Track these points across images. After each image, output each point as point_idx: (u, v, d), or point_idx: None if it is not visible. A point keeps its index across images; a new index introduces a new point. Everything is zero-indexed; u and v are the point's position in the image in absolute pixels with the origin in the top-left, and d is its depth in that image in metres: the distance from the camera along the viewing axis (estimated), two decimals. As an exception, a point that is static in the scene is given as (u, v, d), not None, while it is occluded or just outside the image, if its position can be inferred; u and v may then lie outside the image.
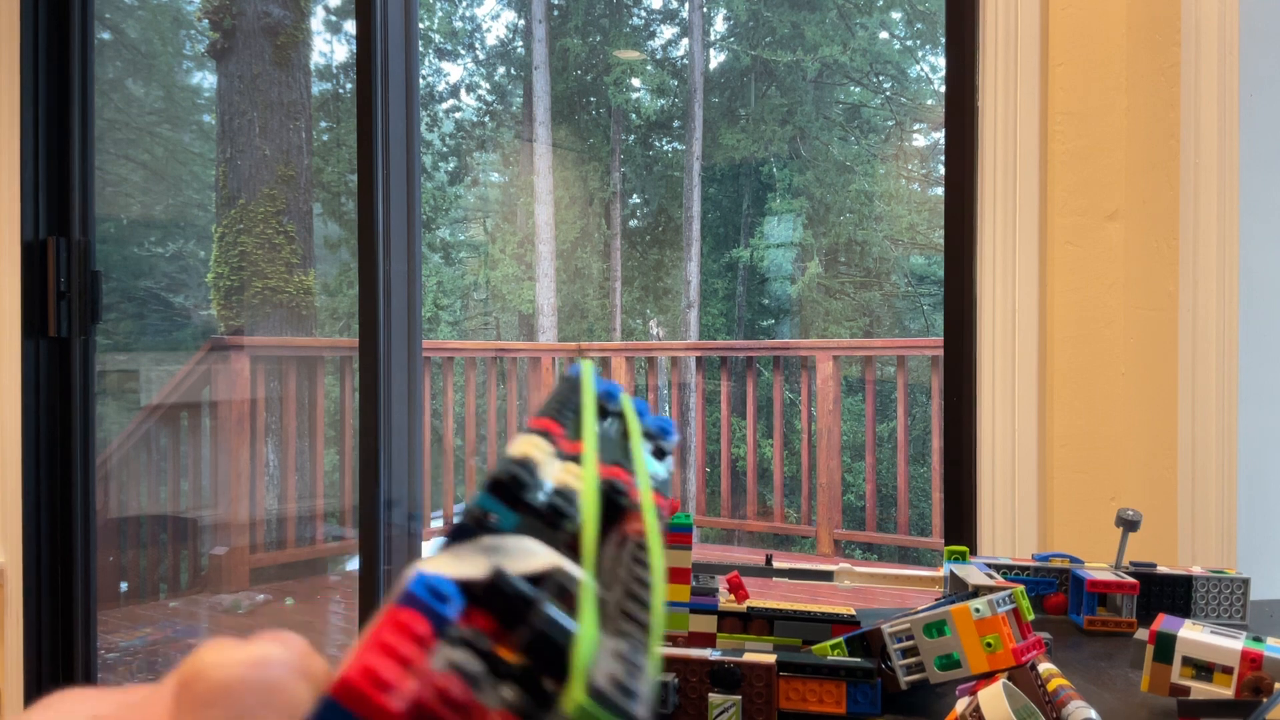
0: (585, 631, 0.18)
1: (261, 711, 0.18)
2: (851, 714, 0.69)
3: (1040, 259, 1.37)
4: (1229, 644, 0.67)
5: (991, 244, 1.39)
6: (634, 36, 10.59)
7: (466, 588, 0.18)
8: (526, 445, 0.21)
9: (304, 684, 0.19)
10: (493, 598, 0.18)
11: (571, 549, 0.20)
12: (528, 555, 0.19)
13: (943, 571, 0.91)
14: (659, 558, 0.20)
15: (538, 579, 0.19)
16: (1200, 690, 0.67)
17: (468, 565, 0.19)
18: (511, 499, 0.20)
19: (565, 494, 0.20)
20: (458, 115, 10.78)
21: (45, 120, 1.85)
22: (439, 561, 0.19)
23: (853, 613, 0.81)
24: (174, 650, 3.83)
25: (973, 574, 0.80)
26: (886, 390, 6.47)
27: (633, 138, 10.67)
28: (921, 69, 10.07)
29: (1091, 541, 1.32)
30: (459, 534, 0.20)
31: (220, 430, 4.48)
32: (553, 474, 0.21)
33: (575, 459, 0.22)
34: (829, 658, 0.71)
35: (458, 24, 10.85)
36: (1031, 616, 0.68)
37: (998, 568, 0.96)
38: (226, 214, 5.80)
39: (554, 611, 0.18)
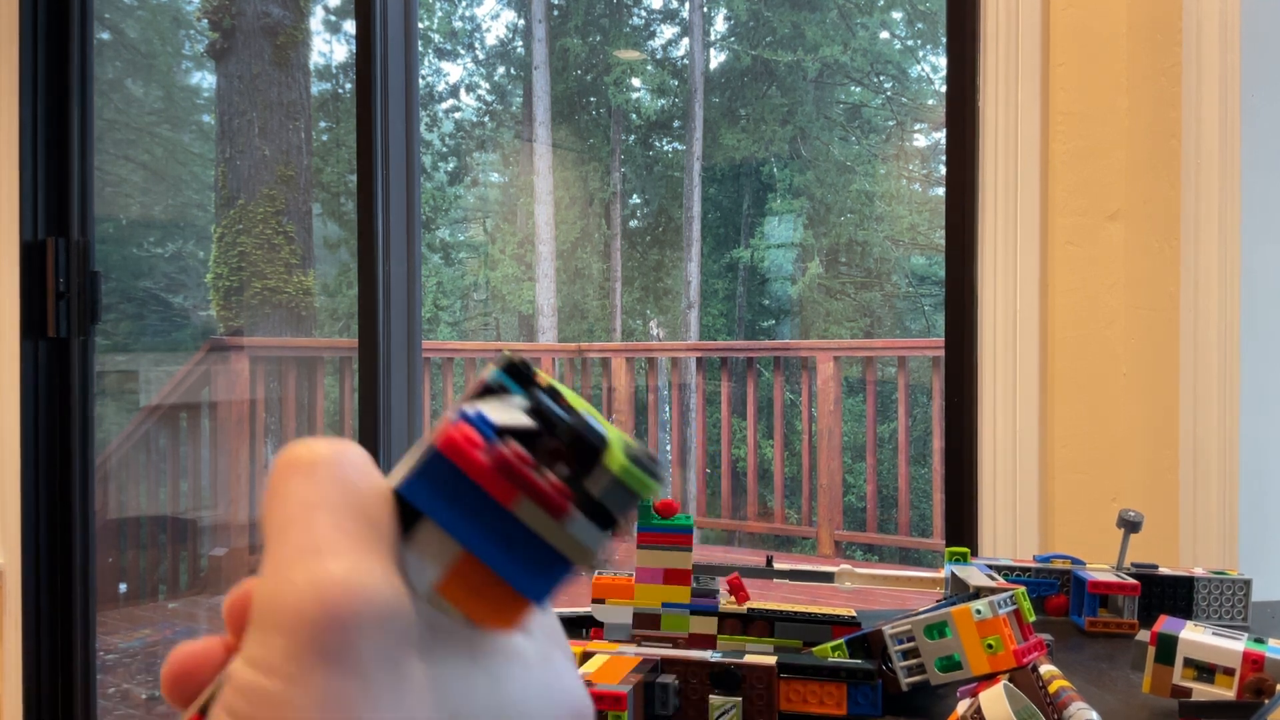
0: (612, 430, 0.23)
1: (356, 469, 0.24)
2: (852, 715, 0.69)
3: (1041, 259, 1.37)
4: (1231, 645, 0.67)
5: (992, 244, 1.39)
6: (634, 36, 10.59)
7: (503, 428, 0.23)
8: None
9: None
10: (537, 416, 0.23)
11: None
12: (549, 403, 0.24)
13: (944, 573, 0.91)
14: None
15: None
16: (1202, 692, 0.67)
17: (501, 412, 0.23)
18: (521, 379, 0.24)
19: (554, 387, 0.25)
20: (457, 115, 10.78)
21: (44, 120, 1.85)
22: (479, 405, 0.24)
23: (853, 614, 0.81)
24: (174, 651, 3.82)
25: (974, 575, 0.79)
26: (887, 391, 6.47)
27: (633, 138, 10.67)
28: (922, 69, 10.07)
29: (1093, 543, 1.32)
30: (484, 393, 0.24)
31: (220, 431, 4.48)
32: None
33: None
34: (830, 659, 0.71)
35: (457, 24, 10.86)
36: (1033, 618, 0.68)
37: (999, 569, 0.95)
38: (226, 214, 5.80)
39: (587, 416, 0.23)
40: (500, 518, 0.23)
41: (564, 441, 0.23)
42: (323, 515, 0.23)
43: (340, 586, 0.22)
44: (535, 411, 0.23)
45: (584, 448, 0.23)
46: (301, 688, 0.21)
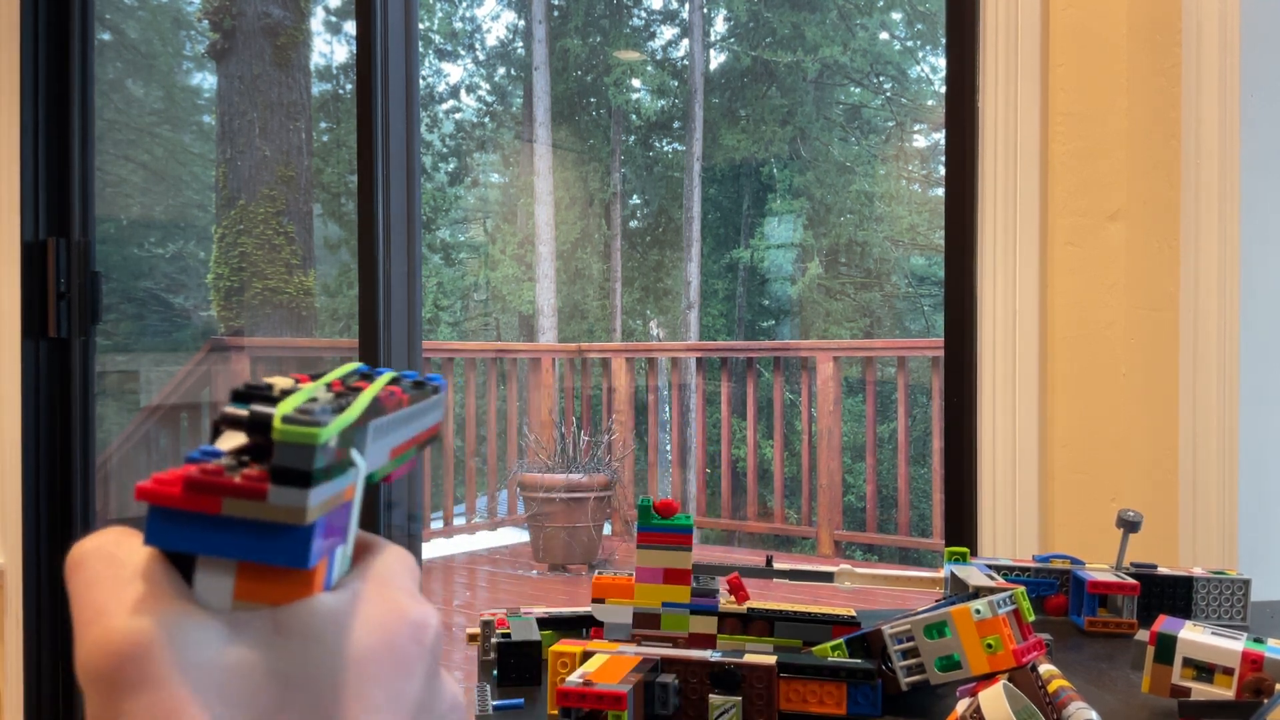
0: (291, 401, 0.27)
1: (118, 546, 0.27)
2: (852, 715, 0.69)
3: (1041, 260, 1.37)
4: (1230, 645, 0.67)
5: (992, 245, 1.39)
6: (634, 37, 10.59)
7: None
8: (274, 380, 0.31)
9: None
10: (235, 424, 0.28)
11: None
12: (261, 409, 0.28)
13: (943, 573, 0.91)
14: (366, 395, 0.30)
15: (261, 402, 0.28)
16: (1201, 691, 0.67)
17: (230, 439, 0.28)
18: (260, 398, 0.28)
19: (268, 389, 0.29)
20: (458, 116, 10.78)
21: (45, 121, 1.85)
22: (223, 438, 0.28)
23: (853, 614, 0.81)
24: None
25: (973, 575, 0.79)
26: (887, 391, 6.47)
27: (633, 138, 10.67)
28: (922, 69, 10.07)
29: (1092, 542, 1.32)
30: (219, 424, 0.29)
31: (220, 431, 4.47)
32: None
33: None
34: (829, 659, 0.71)
35: (458, 25, 10.86)
36: (1032, 617, 0.68)
37: (998, 569, 0.96)
38: (226, 215, 5.81)
39: (259, 406, 0.27)
40: (221, 523, 0.26)
41: (263, 433, 0.27)
42: (95, 591, 0.26)
43: (120, 631, 0.25)
44: (252, 421, 0.27)
45: (263, 430, 0.26)
46: (122, 719, 0.24)
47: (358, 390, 0.31)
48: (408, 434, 0.35)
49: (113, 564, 0.27)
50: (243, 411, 0.27)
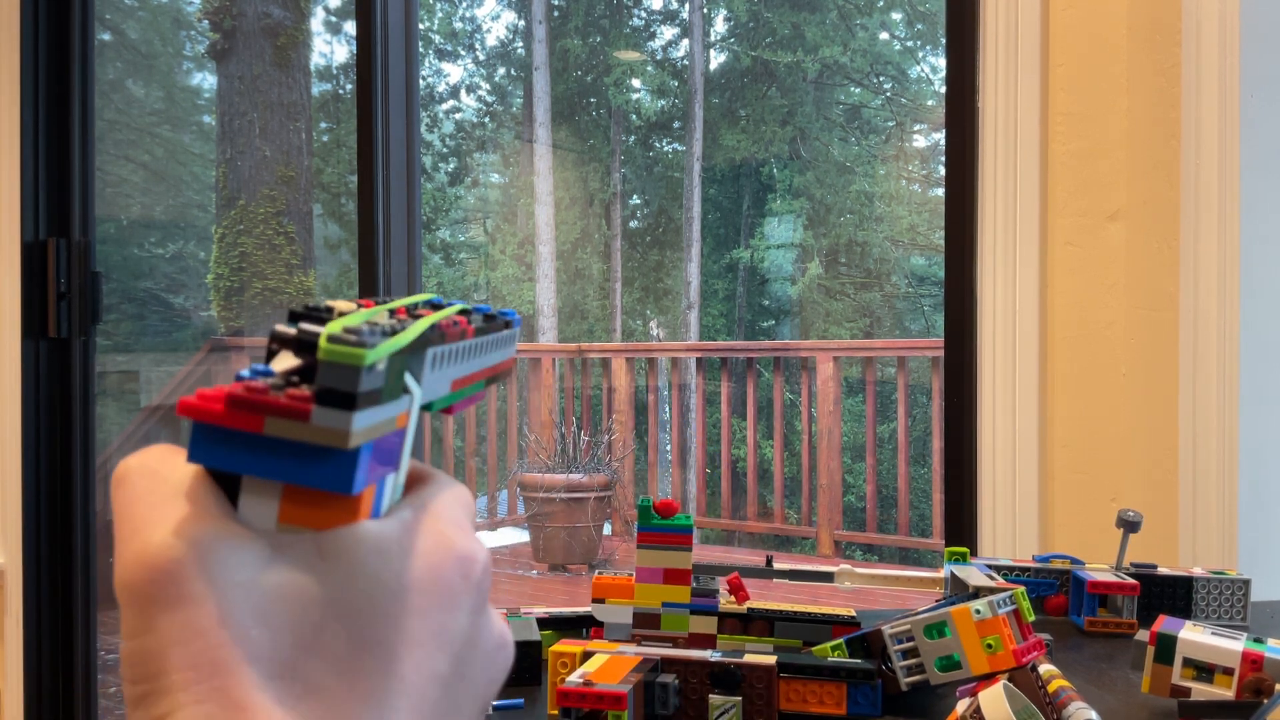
0: (329, 327, 0.26)
1: (160, 461, 0.27)
2: (852, 715, 0.69)
3: (1041, 260, 1.37)
4: (1230, 645, 0.67)
5: (992, 245, 1.39)
6: (634, 37, 10.59)
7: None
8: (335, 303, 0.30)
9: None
10: (285, 342, 0.27)
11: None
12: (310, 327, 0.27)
13: (943, 573, 0.91)
14: (425, 321, 0.29)
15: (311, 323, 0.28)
16: (1201, 691, 0.67)
17: (282, 360, 0.27)
18: (313, 318, 0.28)
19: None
20: (458, 116, 10.78)
21: (45, 121, 1.85)
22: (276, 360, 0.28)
23: (853, 614, 0.81)
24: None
25: (973, 575, 0.79)
26: (887, 391, 6.47)
27: (633, 138, 10.67)
28: (922, 69, 10.07)
29: (1092, 543, 1.32)
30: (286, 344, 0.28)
31: (220, 431, 4.48)
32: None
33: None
34: (829, 659, 0.71)
35: (458, 25, 10.86)
36: (1032, 618, 0.68)
37: (998, 569, 0.96)
38: (226, 215, 5.81)
39: (307, 325, 0.27)
40: (264, 443, 0.25)
41: (310, 353, 0.26)
42: (138, 507, 0.26)
43: (156, 546, 0.24)
44: (299, 340, 0.27)
45: (310, 350, 0.26)
46: (154, 635, 0.24)
47: (420, 318, 0.30)
48: (473, 367, 0.34)
49: (156, 480, 0.26)
50: (291, 330, 0.27)
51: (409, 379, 0.29)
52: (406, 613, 0.26)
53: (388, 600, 0.26)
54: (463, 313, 0.33)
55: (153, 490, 0.26)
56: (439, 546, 0.28)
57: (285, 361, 0.27)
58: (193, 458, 0.26)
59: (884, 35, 10.05)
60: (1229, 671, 0.67)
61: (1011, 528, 1.37)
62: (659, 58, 10.55)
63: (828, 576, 0.95)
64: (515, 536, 5.67)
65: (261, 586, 0.25)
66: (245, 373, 0.26)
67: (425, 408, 0.32)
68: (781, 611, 0.81)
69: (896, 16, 10.02)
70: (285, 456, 0.25)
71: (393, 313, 0.30)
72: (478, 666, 0.28)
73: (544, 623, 0.85)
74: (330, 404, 0.25)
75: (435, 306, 0.32)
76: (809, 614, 0.81)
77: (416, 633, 0.26)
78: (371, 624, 0.26)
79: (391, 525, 0.27)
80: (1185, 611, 0.93)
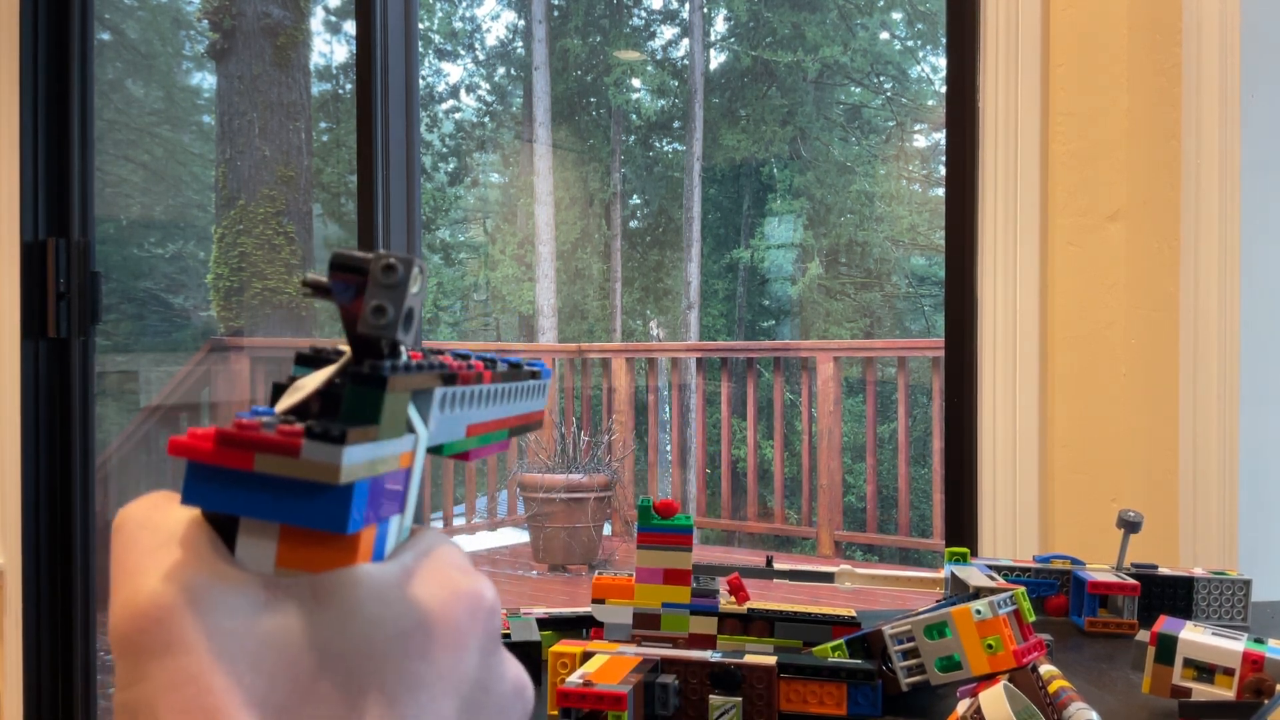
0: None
1: (157, 509, 0.27)
2: (852, 715, 0.69)
3: (1041, 260, 1.37)
4: (1230, 645, 0.67)
5: (992, 245, 1.39)
6: (634, 37, 10.59)
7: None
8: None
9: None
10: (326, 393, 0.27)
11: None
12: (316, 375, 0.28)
13: (943, 573, 0.91)
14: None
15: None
16: (1202, 692, 0.67)
17: (287, 398, 0.27)
18: (308, 362, 0.28)
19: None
20: (457, 116, 10.78)
21: (45, 121, 1.85)
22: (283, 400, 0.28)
23: (853, 614, 0.81)
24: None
25: (974, 575, 0.79)
26: (887, 391, 6.47)
27: (633, 138, 10.67)
28: (922, 69, 10.07)
29: (1092, 543, 1.32)
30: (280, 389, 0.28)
31: (220, 431, 4.47)
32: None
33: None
34: (830, 659, 0.71)
35: (458, 24, 10.85)
36: (1033, 618, 0.68)
37: (999, 569, 0.95)
38: (226, 215, 5.81)
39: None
40: (257, 481, 0.25)
41: (321, 393, 0.27)
42: (130, 555, 0.26)
43: (146, 593, 0.24)
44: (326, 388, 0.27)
45: (328, 392, 0.26)
46: (146, 684, 0.23)
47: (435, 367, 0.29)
48: (493, 414, 0.33)
49: (149, 527, 0.26)
50: (284, 383, 0.27)
51: (414, 418, 0.28)
52: (408, 655, 0.25)
53: (387, 643, 0.25)
54: (488, 363, 0.33)
55: (146, 537, 0.26)
56: (443, 586, 0.27)
57: (286, 403, 0.27)
58: (186, 500, 0.25)
59: (884, 35, 10.05)
60: (1230, 672, 0.67)
61: (1012, 528, 1.37)
62: (659, 57, 10.55)
63: (828, 577, 0.95)
64: (515, 537, 5.66)
65: (255, 631, 0.24)
66: (244, 413, 0.26)
67: (435, 450, 0.31)
68: (782, 612, 0.81)
69: (897, 16, 10.02)
70: (278, 495, 0.25)
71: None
72: (490, 712, 0.27)
73: (544, 623, 0.85)
74: (320, 439, 0.24)
75: (462, 359, 0.32)
76: (809, 614, 0.81)
77: (420, 676, 0.25)
78: (370, 668, 0.25)
79: (392, 567, 0.27)
80: (1186, 612, 0.93)
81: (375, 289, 0.26)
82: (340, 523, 0.25)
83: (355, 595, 0.25)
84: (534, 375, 0.36)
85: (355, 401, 0.26)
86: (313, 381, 0.27)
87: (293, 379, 0.28)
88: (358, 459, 0.25)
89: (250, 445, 0.25)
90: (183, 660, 0.23)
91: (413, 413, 0.28)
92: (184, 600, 0.24)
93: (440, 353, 0.32)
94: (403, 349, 0.28)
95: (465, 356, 0.32)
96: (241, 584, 0.25)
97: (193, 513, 0.26)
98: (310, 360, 0.28)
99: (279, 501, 0.25)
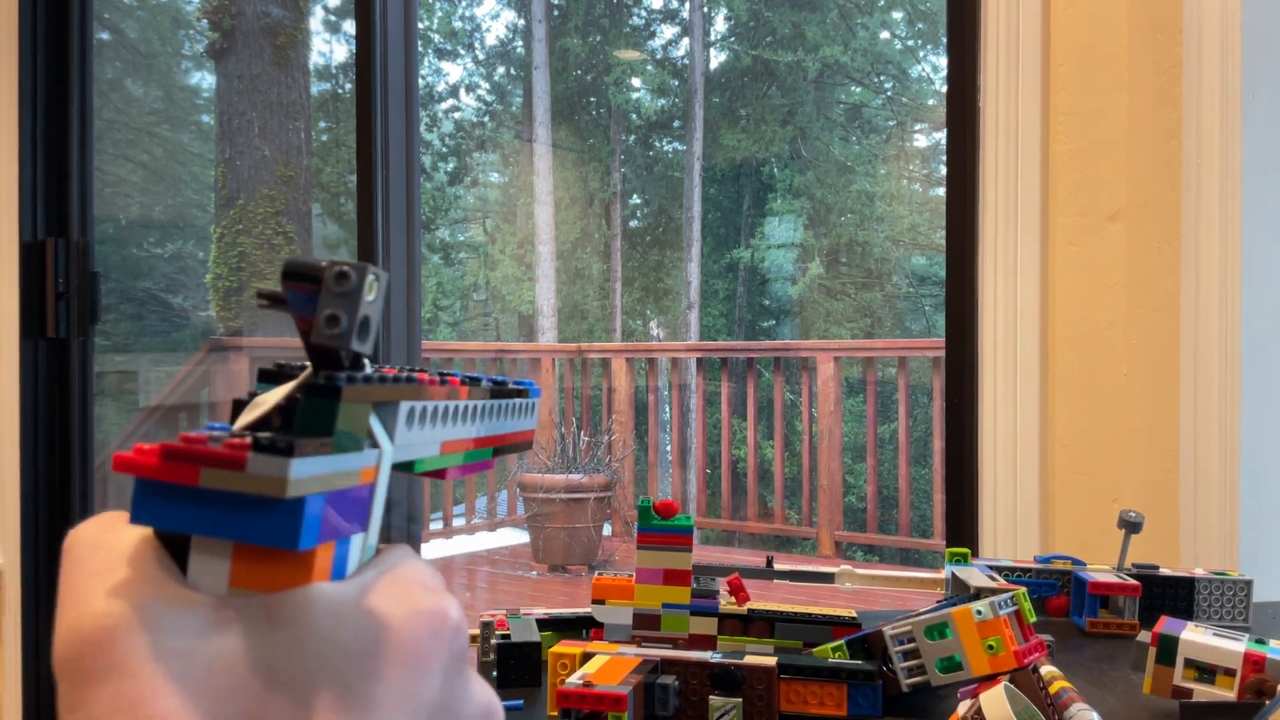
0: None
1: (105, 529, 0.26)
2: (853, 716, 0.69)
3: (1042, 260, 1.37)
4: (1231, 646, 0.67)
5: (993, 244, 1.39)
6: (634, 36, 10.59)
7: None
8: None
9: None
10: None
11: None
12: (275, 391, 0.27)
13: (944, 573, 0.91)
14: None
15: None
16: (1203, 692, 0.67)
17: (246, 415, 0.27)
18: (279, 377, 0.28)
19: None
20: (457, 115, 10.78)
21: (44, 120, 1.84)
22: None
23: (854, 615, 0.81)
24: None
25: (974, 576, 0.79)
26: (888, 391, 6.47)
27: (633, 138, 10.67)
28: (923, 69, 10.07)
29: (1093, 543, 1.31)
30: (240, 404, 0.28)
31: (220, 431, 4.47)
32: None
33: None
34: (830, 660, 0.71)
35: (457, 24, 10.85)
36: (1033, 618, 0.68)
37: (999, 570, 0.95)
38: (225, 214, 5.80)
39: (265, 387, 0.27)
40: (206, 497, 0.24)
41: (281, 408, 0.26)
42: (77, 577, 0.25)
43: (89, 615, 0.23)
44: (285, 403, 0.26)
45: (288, 407, 0.26)
46: (87, 709, 0.23)
47: (409, 380, 0.28)
48: (471, 431, 0.32)
49: (98, 548, 0.25)
50: (245, 399, 0.26)
51: (378, 432, 0.27)
52: (364, 676, 0.24)
53: (343, 664, 0.24)
54: (470, 380, 0.32)
55: (95, 559, 0.25)
56: (402, 604, 0.26)
57: (244, 420, 0.26)
58: (135, 519, 0.25)
59: (885, 34, 10.05)
60: (1231, 673, 0.66)
61: (1013, 528, 1.37)
62: (659, 57, 10.55)
63: (828, 577, 0.95)
64: (515, 537, 5.66)
65: (203, 653, 0.23)
66: (197, 430, 0.25)
67: (403, 466, 0.30)
68: (782, 612, 0.81)
69: (897, 16, 10.02)
70: (228, 512, 0.24)
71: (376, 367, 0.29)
72: None
73: (544, 624, 0.85)
74: (267, 451, 0.24)
75: (441, 375, 0.31)
76: (809, 615, 0.80)
77: (376, 697, 0.24)
78: (323, 691, 0.24)
79: (349, 585, 0.26)
80: (1187, 612, 0.93)
81: (328, 297, 0.26)
82: (292, 539, 0.24)
83: (309, 615, 0.24)
84: (520, 394, 0.34)
85: (309, 413, 0.26)
86: (272, 397, 0.26)
87: (253, 395, 0.27)
88: (307, 472, 0.24)
89: (195, 459, 0.24)
90: (127, 684, 0.22)
91: (376, 426, 0.27)
92: (129, 621, 0.23)
93: (414, 368, 0.31)
94: (366, 361, 0.28)
95: (444, 374, 0.31)
96: (190, 604, 0.24)
97: (144, 533, 0.26)
98: (273, 376, 0.27)
99: (228, 518, 0.24)
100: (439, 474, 0.32)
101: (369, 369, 0.28)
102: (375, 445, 0.27)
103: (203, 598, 0.24)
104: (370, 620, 0.25)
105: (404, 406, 0.28)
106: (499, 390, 0.33)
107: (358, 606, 0.25)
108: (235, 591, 0.25)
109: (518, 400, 0.34)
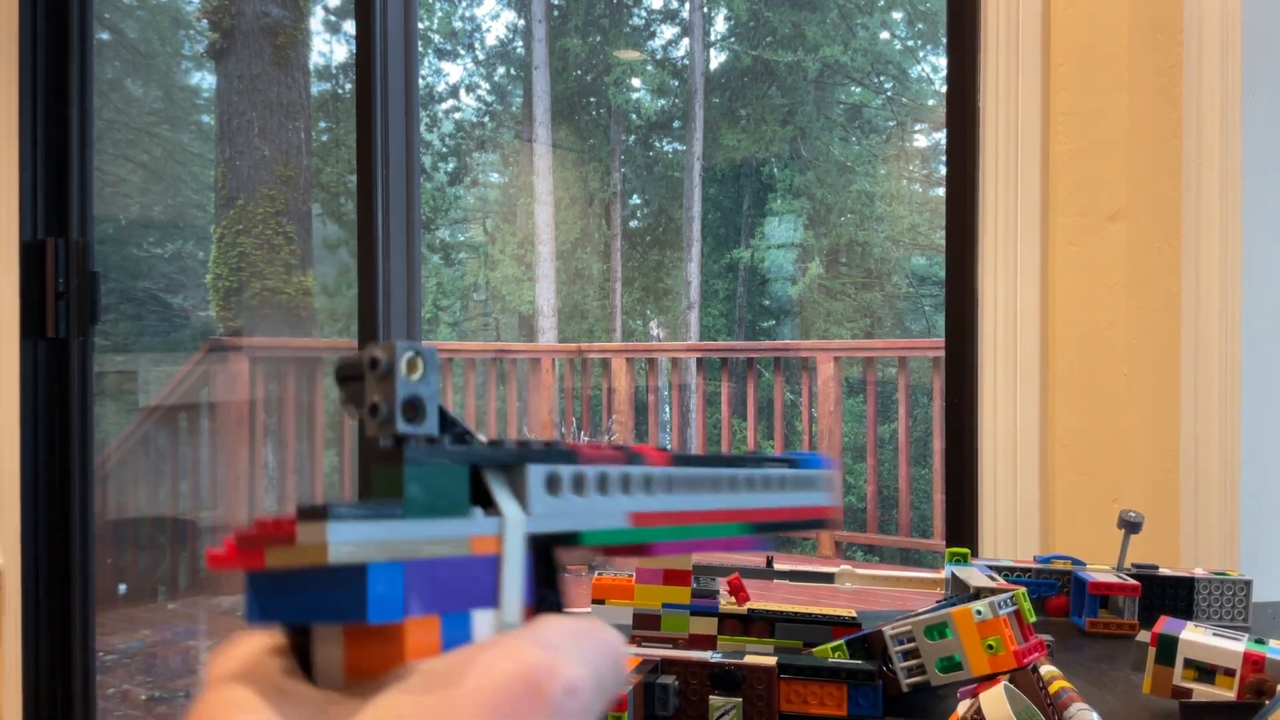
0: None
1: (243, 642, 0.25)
2: (852, 716, 0.69)
3: (1042, 259, 1.37)
4: (1231, 646, 0.67)
5: (993, 244, 1.39)
6: (634, 36, 10.58)
7: None
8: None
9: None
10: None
11: None
12: None
13: (944, 573, 0.90)
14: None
15: None
16: (1202, 692, 0.67)
17: None
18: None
19: None
20: (457, 115, 10.78)
21: (44, 120, 1.84)
22: None
23: (854, 615, 0.81)
24: (172, 653, 3.82)
25: (974, 576, 0.79)
26: (888, 391, 6.47)
27: (633, 138, 10.67)
28: (923, 69, 10.07)
29: (1093, 543, 1.31)
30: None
31: (219, 431, 4.48)
32: None
33: None
34: (830, 660, 0.71)
35: (457, 24, 10.85)
36: (1033, 618, 0.68)
37: (999, 569, 0.95)
38: (225, 214, 5.80)
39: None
40: (280, 580, 0.23)
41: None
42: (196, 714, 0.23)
43: None
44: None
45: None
46: None
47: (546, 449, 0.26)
48: (687, 504, 0.29)
49: (221, 673, 0.24)
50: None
51: (502, 498, 0.26)
52: None
53: None
54: (683, 457, 0.29)
55: (213, 693, 0.23)
56: (502, 658, 0.22)
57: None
58: (248, 618, 0.24)
59: (885, 35, 10.05)
60: (1230, 673, 0.66)
61: (1012, 528, 1.37)
62: (659, 57, 10.55)
63: (828, 577, 0.95)
64: (515, 536, 5.65)
65: None
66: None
67: (566, 539, 0.27)
68: (782, 612, 0.81)
69: (897, 16, 10.02)
70: (305, 592, 0.23)
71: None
72: None
73: (543, 624, 0.85)
74: (306, 517, 0.22)
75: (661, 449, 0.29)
76: (809, 615, 0.80)
77: None
78: None
79: (449, 656, 0.23)
80: (1187, 612, 0.93)
81: (370, 385, 0.25)
82: (360, 610, 0.22)
83: (380, 692, 0.22)
84: (789, 464, 0.31)
85: (379, 479, 0.25)
86: None
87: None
88: (354, 536, 0.22)
89: (260, 541, 0.23)
90: None
91: (501, 493, 0.26)
92: None
93: (622, 446, 0.28)
94: (476, 431, 0.26)
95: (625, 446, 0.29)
96: (291, 711, 0.22)
97: (267, 640, 0.24)
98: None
99: (310, 599, 0.23)
100: (638, 550, 0.29)
101: (479, 437, 0.26)
102: (498, 512, 0.25)
103: (306, 705, 0.22)
104: (459, 682, 0.21)
105: (537, 471, 0.26)
106: (733, 460, 0.30)
107: (448, 674, 0.22)
108: (350, 684, 0.23)
109: (775, 471, 0.31)
